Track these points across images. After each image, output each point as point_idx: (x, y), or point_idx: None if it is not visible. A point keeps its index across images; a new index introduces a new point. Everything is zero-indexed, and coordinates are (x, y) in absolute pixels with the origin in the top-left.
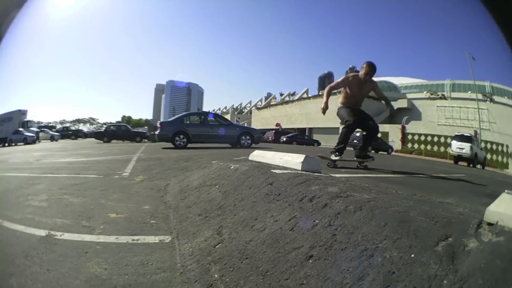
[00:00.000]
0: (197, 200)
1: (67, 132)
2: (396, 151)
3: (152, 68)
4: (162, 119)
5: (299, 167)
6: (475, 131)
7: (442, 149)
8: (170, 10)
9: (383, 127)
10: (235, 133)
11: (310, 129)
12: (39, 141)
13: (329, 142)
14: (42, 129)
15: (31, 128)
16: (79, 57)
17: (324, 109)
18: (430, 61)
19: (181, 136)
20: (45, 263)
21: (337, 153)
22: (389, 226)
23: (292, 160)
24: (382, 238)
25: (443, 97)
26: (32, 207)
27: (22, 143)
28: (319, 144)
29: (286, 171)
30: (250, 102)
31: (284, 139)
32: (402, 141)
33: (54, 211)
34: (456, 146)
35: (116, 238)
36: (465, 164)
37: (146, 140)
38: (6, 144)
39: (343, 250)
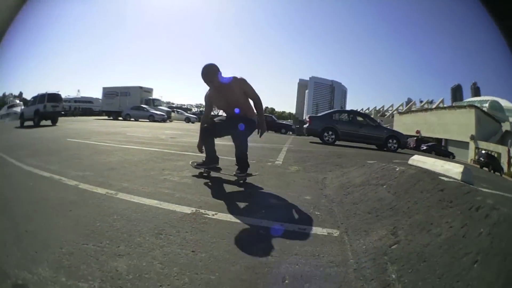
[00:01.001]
0: (364, 197)
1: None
2: (505, 173)
3: (296, 63)
4: (305, 114)
5: (458, 176)
6: None
7: None
8: (317, 9)
9: (496, 148)
10: (382, 136)
11: (446, 140)
12: (171, 121)
13: (460, 155)
14: (176, 109)
15: (160, 107)
16: (231, 48)
17: None
18: None
19: (330, 132)
20: (190, 243)
21: None
22: None
23: (453, 169)
24: None
25: None
26: (173, 184)
27: (147, 120)
28: (454, 157)
29: (451, 180)
30: (392, 106)
31: (425, 148)
32: (508, 164)
33: (204, 190)
34: None
35: (281, 225)
36: None
37: (290, 133)
38: (120, 118)
39: (495, 256)
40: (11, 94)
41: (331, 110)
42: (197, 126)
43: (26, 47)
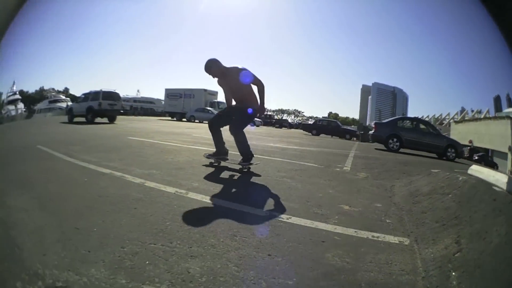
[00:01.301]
0: (431, 206)
1: (270, 120)
2: None
3: (358, 68)
4: (368, 120)
5: (505, 187)
6: None
7: None
8: (378, 13)
9: None
10: (442, 144)
11: (492, 151)
12: None
13: (502, 166)
14: None
15: None
16: (290, 51)
17: None
18: None
19: (395, 139)
20: (266, 247)
21: None
22: None
23: (501, 179)
24: None
25: None
26: (244, 185)
27: None
28: (497, 167)
29: (501, 189)
30: (448, 114)
31: (476, 158)
32: None
33: (276, 194)
34: None
35: (355, 231)
36: None
37: (354, 139)
38: (184, 120)
39: None
40: (53, 88)
41: (396, 117)
42: (262, 129)
43: (76, 45)
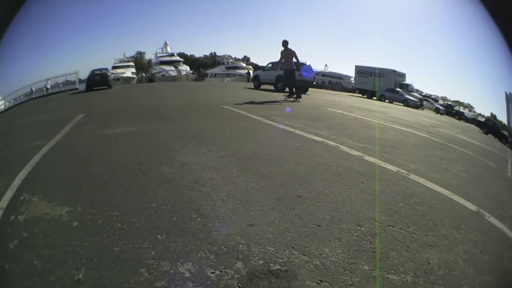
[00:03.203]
0: None
1: (449, 110)
2: None
3: None
4: None
5: None
6: None
7: None
8: None
9: None
10: None
11: None
12: (423, 109)
13: None
14: (426, 98)
15: (413, 93)
16: None
17: None
18: None
19: None
20: (479, 244)
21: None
22: None
23: None
24: None
25: None
26: (453, 175)
27: (401, 104)
28: None
29: None
30: None
31: None
32: None
33: (483, 189)
34: None
35: None
36: None
37: None
38: (374, 98)
39: None
40: (229, 55)
41: None
42: (446, 119)
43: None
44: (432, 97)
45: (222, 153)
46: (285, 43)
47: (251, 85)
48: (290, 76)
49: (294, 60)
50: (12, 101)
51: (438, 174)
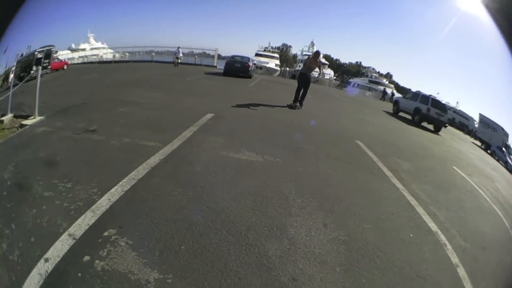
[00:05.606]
0: None
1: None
2: None
3: None
4: None
5: None
6: None
7: None
8: None
9: None
10: None
11: None
12: None
13: None
14: None
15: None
16: None
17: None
18: None
19: None
20: None
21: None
22: None
23: None
24: None
25: None
26: None
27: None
28: None
29: None
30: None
31: None
32: None
33: None
34: None
35: None
36: None
37: None
38: (489, 151)
39: None
40: (373, 68)
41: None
42: None
43: None
44: None
45: (335, 235)
46: (317, 54)
47: (385, 104)
48: (305, 83)
49: (317, 69)
50: (137, 54)
51: None
